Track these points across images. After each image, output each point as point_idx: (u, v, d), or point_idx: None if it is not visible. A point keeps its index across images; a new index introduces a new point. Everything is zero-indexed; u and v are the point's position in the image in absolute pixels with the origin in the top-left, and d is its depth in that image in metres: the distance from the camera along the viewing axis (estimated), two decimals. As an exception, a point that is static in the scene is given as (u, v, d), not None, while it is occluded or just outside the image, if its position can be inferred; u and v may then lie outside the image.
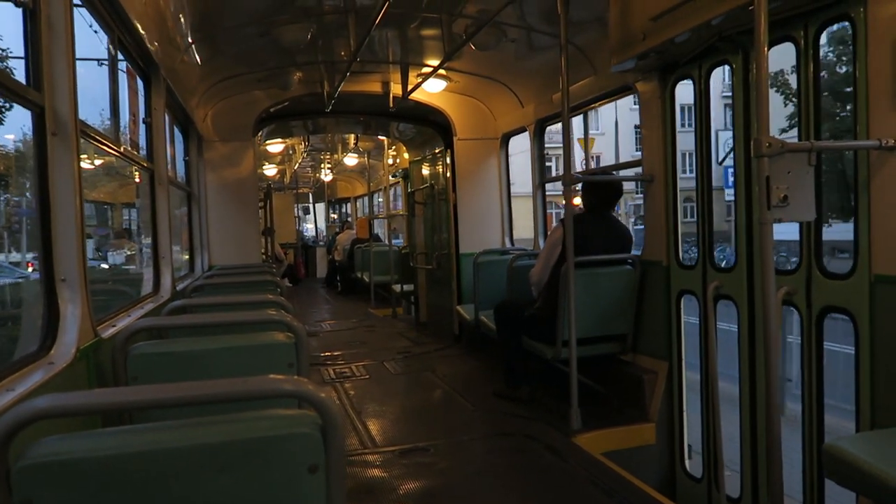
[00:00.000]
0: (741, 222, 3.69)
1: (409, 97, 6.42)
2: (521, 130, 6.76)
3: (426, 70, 6.06)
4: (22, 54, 2.14)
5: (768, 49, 2.65)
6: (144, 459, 1.26)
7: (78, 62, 2.31)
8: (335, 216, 21.21)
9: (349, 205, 20.40)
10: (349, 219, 18.98)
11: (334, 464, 1.33)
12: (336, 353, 7.09)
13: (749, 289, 3.67)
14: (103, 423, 2.10)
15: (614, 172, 5.56)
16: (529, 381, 4.97)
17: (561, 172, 4.19)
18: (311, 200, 21.77)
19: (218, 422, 1.33)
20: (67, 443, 1.24)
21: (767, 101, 2.65)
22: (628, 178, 5.58)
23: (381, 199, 14.83)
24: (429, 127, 7.74)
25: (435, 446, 4.10)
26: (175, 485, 1.27)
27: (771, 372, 2.71)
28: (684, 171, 5.28)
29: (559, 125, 4.75)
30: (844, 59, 18.94)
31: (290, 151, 12.92)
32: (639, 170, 4.67)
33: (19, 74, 2.09)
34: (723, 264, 3.99)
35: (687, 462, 4.33)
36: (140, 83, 4.03)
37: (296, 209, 18.74)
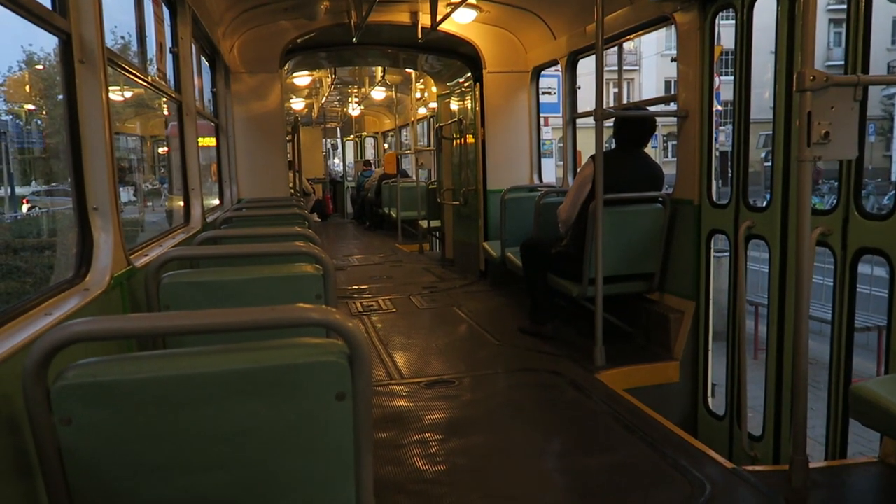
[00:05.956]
0: (778, 160, 3.58)
1: (438, 28, 6.25)
2: (553, 63, 6.57)
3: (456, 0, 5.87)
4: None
5: (818, -25, 2.51)
6: (177, 383, 1.29)
7: None
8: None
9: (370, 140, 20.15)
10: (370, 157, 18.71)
11: (361, 392, 1.35)
12: (363, 287, 7.17)
13: (783, 229, 3.60)
14: (137, 348, 2.16)
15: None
16: (555, 318, 4.99)
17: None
18: (339, 135, 21.60)
19: (248, 349, 1.35)
20: (104, 365, 1.28)
21: (814, 32, 2.53)
22: (661, 114, 5.42)
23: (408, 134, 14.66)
24: (457, 59, 7.56)
25: (460, 379, 4.18)
26: (206, 408, 1.31)
27: (801, 313, 2.68)
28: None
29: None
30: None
31: (318, 85, 12.77)
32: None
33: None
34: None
35: (710, 400, 4.36)
36: (166, 12, 3.98)
37: (324, 144, 18.59)
